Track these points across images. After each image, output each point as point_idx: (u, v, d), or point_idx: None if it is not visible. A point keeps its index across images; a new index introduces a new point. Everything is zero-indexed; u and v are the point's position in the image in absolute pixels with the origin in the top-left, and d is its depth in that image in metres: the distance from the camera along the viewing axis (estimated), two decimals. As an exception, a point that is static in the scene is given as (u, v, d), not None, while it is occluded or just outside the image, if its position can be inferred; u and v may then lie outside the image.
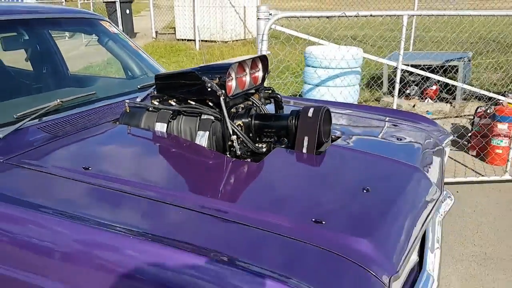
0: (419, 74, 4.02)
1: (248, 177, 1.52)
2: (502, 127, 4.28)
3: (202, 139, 1.69)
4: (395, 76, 6.22)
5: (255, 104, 1.88)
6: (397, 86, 3.75)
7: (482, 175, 3.97)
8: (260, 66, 1.92)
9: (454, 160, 4.44)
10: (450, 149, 4.72)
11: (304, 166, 1.59)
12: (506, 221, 3.28)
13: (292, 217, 1.24)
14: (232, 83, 1.72)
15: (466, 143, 4.73)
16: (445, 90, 6.18)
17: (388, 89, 6.50)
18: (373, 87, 6.78)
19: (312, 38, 3.47)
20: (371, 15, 3.25)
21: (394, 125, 2.12)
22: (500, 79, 6.47)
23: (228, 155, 1.67)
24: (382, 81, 6.61)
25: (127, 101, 1.92)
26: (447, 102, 6.19)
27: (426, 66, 5.89)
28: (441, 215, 2.09)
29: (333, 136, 1.87)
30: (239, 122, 1.75)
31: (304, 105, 1.86)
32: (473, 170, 4.12)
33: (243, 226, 1.19)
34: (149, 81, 2.35)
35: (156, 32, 12.43)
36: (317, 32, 7.03)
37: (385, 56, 6.72)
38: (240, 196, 1.39)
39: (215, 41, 11.06)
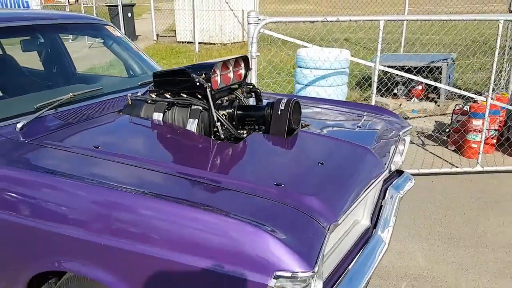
0: (401, 75, 4.34)
1: (229, 155, 1.85)
2: (476, 123, 4.61)
3: (192, 125, 2.03)
4: (384, 76, 6.59)
5: (238, 97, 2.22)
6: (374, 85, 4.09)
7: (457, 167, 4.30)
8: (242, 65, 2.26)
9: (433, 154, 4.77)
10: (430, 144, 5.04)
11: (275, 147, 1.93)
12: (473, 207, 3.61)
13: (260, 182, 1.58)
14: (217, 79, 2.06)
15: (445, 138, 5.07)
16: (431, 89, 6.51)
17: (377, 88, 6.83)
18: (363, 87, 7.12)
19: (296, 41, 3.81)
20: (350, 20, 3.58)
21: (358, 116, 2.46)
22: (484, 78, 6.80)
23: (213, 139, 2.01)
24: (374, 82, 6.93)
25: (129, 95, 2.26)
26: (432, 101, 6.52)
27: (413, 67, 6.27)
28: (401, 194, 2.43)
29: (303, 124, 2.20)
30: (224, 112, 2.08)
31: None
32: (449, 162, 4.45)
33: (225, 189, 1.53)
34: (149, 79, 2.68)
35: (157, 34, 12.80)
36: (315, 35, 7.35)
37: (374, 58, 7.04)
38: (221, 169, 1.72)
39: (214, 44, 11.41)
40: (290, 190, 1.53)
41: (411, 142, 5.20)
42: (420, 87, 6.64)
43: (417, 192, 3.85)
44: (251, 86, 2.32)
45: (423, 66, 6.29)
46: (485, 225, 3.33)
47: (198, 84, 1.98)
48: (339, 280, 1.63)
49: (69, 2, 14.63)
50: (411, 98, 6.70)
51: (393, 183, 2.49)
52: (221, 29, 11.46)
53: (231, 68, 2.17)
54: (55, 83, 2.74)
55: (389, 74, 6.30)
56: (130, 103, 2.23)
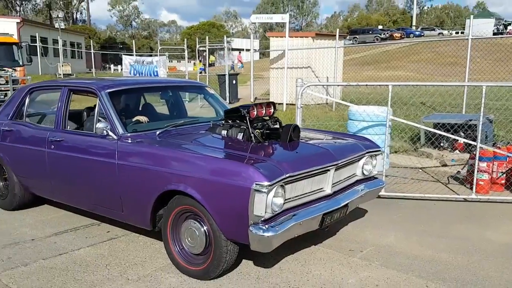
0: (447, 130, 5.81)
1: (256, 148, 3.66)
2: (482, 165, 5.81)
3: (239, 136, 3.89)
4: (430, 132, 7.87)
5: (267, 123, 4.04)
6: (387, 130, 5.58)
7: (458, 194, 5.54)
8: (272, 106, 4.10)
9: (450, 189, 6.00)
10: (454, 184, 6.21)
11: (279, 146, 3.71)
12: (455, 219, 4.85)
13: (264, 156, 3.37)
14: (254, 112, 3.91)
15: (464, 178, 6.27)
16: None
17: (426, 142, 8.14)
18: (414, 140, 8.45)
19: (330, 98, 5.56)
20: (366, 85, 5.26)
21: (342, 139, 4.15)
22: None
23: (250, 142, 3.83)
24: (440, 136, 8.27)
25: (211, 122, 4.24)
26: (470, 153, 7.63)
27: (456, 124, 7.52)
28: (368, 189, 4.00)
29: (302, 139, 3.95)
30: (257, 130, 3.91)
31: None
32: (453, 191, 5.69)
33: (248, 158, 3.34)
34: (226, 116, 4.65)
35: (255, 97, 15.26)
36: (395, 97, 8.95)
37: (421, 117, 8.40)
38: (251, 152, 3.53)
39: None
40: (275, 159, 3.29)
41: (438, 181, 6.46)
42: (462, 141, 7.81)
43: (418, 209, 5.20)
44: (276, 118, 4.13)
45: (465, 124, 7.51)
46: (455, 229, 4.59)
47: (243, 115, 3.86)
48: (298, 210, 3.30)
49: (206, 67, 17.87)
50: (453, 150, 7.88)
51: (365, 182, 4.09)
52: (306, 93, 13.46)
53: (264, 107, 4.02)
54: (176, 117, 4.85)
55: (438, 129, 7.63)
56: (211, 126, 4.19)
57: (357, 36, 49.73)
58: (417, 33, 53.30)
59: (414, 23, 62.75)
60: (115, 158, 3.80)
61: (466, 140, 5.83)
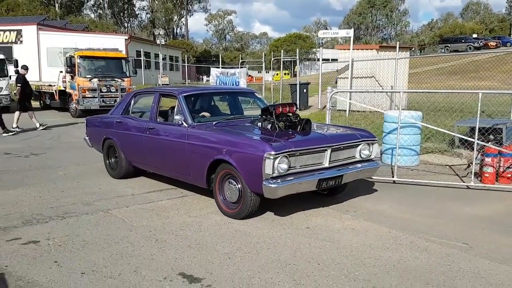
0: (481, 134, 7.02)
1: (278, 134, 5.31)
2: (487, 159, 6.85)
3: (268, 126, 5.57)
4: (462, 134, 8.86)
5: (290, 118, 5.67)
6: (398, 134, 6.88)
7: (464, 181, 6.65)
8: (294, 106, 5.72)
9: (462, 179, 7.10)
10: (468, 176, 7.28)
11: (294, 133, 5.34)
12: (448, 198, 6.05)
13: (279, 138, 5.03)
14: (279, 109, 5.56)
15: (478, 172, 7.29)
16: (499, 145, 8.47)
17: (460, 142, 9.10)
18: (451, 144, 9.42)
19: (358, 103, 7.01)
20: (379, 92, 6.61)
21: (344, 130, 5.66)
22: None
23: (275, 130, 5.49)
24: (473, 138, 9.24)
25: (252, 117, 5.99)
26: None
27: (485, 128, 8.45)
28: (362, 168, 5.48)
29: (313, 129, 5.53)
30: (281, 123, 5.56)
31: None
32: (460, 178, 6.80)
33: (268, 139, 5.02)
34: (266, 114, 6.37)
35: (324, 106, 16.76)
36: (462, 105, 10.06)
37: (456, 121, 9.35)
38: (276, 136, 5.20)
39: (364, 111, 14.66)
40: (285, 140, 4.95)
41: (457, 175, 7.53)
42: (491, 144, 8.68)
43: (421, 191, 6.46)
44: (297, 114, 5.74)
45: (491, 128, 8.42)
46: (442, 205, 5.80)
47: (271, 111, 5.55)
48: (299, 175, 4.91)
49: (281, 77, 19.81)
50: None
51: (363, 163, 5.56)
52: (370, 101, 14.66)
53: (288, 107, 5.66)
54: (231, 114, 6.69)
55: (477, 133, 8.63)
56: (252, 120, 5.94)
57: (449, 45, 48.52)
58: (515, 41, 50.36)
59: (513, 30, 59.15)
60: (185, 139, 5.69)
61: (462, 136, 6.92)
